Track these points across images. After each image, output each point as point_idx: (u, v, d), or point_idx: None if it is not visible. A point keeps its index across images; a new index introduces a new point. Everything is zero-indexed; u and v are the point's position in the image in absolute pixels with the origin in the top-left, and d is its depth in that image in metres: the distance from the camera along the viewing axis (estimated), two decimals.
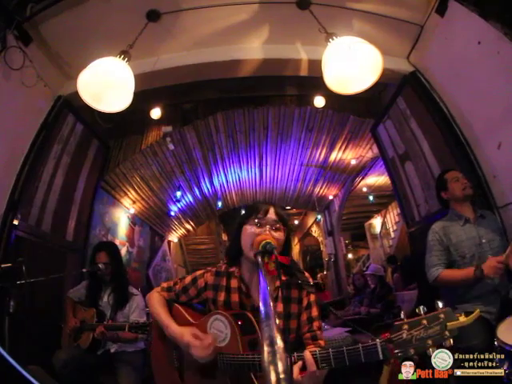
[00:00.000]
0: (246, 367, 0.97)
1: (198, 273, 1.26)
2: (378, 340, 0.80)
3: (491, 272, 1.55)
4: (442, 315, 0.76)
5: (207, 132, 4.11)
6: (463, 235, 1.79)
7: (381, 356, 0.79)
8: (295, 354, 0.94)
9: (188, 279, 1.26)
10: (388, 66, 2.26)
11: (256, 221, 1.12)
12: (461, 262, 1.76)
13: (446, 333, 0.75)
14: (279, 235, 1.12)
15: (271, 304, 0.66)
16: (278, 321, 1.05)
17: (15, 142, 2.29)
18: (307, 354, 0.92)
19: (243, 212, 1.24)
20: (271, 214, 1.14)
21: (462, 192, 1.84)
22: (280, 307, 1.12)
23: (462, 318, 0.76)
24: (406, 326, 0.78)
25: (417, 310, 0.79)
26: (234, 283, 1.18)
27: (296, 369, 0.91)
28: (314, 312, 1.16)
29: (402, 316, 0.80)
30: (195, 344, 1.04)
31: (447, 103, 2.40)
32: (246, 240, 1.12)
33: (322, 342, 1.13)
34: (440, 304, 0.78)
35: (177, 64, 2.55)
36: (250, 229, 1.13)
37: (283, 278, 1.17)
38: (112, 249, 2.33)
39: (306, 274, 1.20)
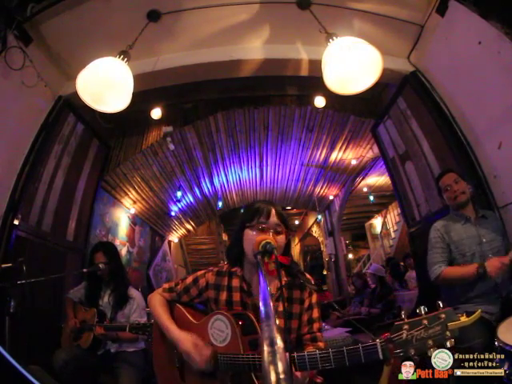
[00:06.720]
0: (247, 367, 0.97)
1: (200, 273, 1.26)
2: (378, 340, 0.79)
3: (494, 271, 1.56)
4: (442, 315, 0.75)
5: (207, 132, 4.11)
6: (464, 234, 1.81)
7: (381, 356, 0.79)
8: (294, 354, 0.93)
9: (189, 279, 1.26)
10: (388, 65, 2.27)
11: (259, 226, 1.10)
12: (461, 261, 1.77)
13: (447, 333, 0.74)
14: (281, 238, 1.12)
15: (271, 304, 0.65)
16: (278, 320, 1.04)
17: (16, 142, 2.29)
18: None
19: (244, 212, 1.22)
20: (273, 217, 1.12)
21: (454, 201, 1.87)
22: (282, 307, 1.12)
23: (464, 319, 0.75)
24: (406, 326, 0.77)
25: (417, 310, 0.78)
26: (236, 282, 1.19)
27: None
28: (315, 313, 1.16)
29: (403, 316, 0.79)
30: (193, 353, 1.05)
31: (447, 103, 2.40)
32: (249, 245, 1.11)
33: (321, 344, 1.12)
34: (441, 304, 0.77)
35: (177, 64, 2.55)
36: (252, 234, 1.10)
37: (286, 278, 1.17)
38: (109, 248, 2.32)
39: (308, 276, 1.20)
